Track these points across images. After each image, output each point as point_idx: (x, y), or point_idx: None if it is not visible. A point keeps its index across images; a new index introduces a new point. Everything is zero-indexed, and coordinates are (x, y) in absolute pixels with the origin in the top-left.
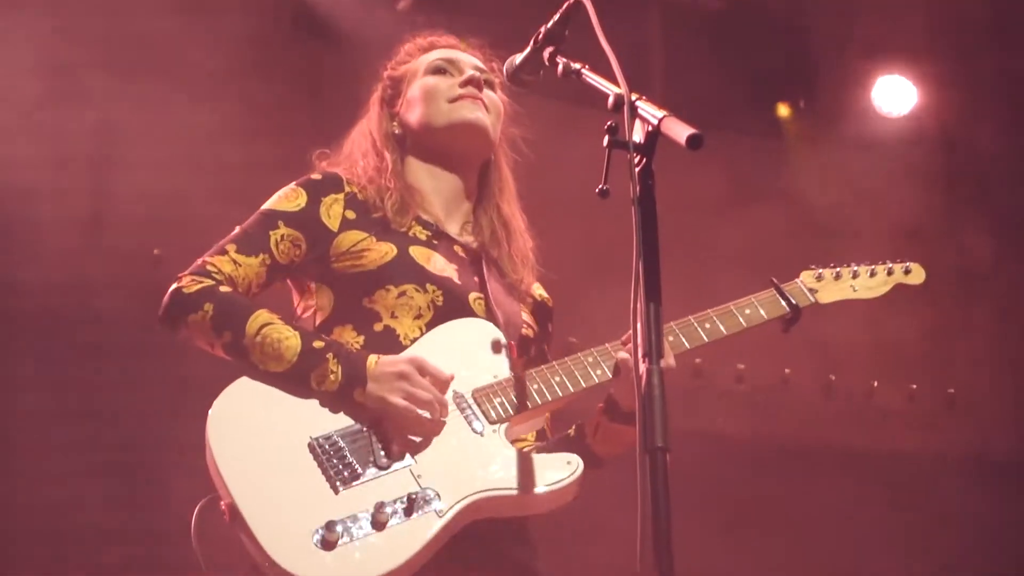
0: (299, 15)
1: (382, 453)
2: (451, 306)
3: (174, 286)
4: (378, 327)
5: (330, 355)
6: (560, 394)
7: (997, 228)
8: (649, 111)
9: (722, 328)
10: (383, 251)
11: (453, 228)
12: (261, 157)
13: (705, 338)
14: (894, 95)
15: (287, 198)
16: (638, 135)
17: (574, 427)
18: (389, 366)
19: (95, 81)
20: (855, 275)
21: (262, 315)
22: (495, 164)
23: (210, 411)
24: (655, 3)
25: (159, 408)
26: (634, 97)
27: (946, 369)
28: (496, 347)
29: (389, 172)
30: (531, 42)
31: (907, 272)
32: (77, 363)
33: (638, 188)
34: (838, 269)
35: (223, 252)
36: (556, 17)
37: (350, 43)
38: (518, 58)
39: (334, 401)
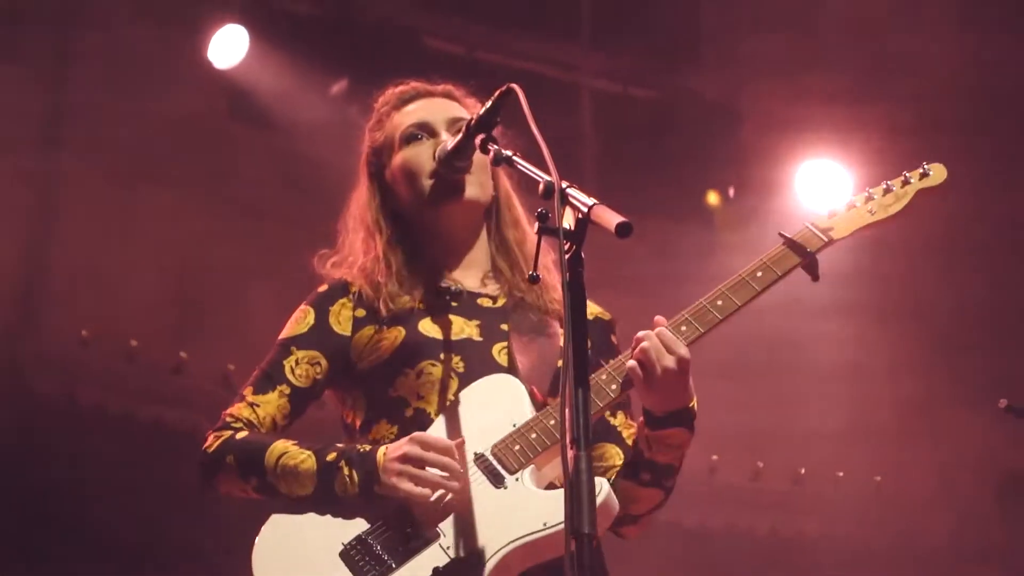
0: (235, 101)
1: (410, 538)
2: (474, 367)
3: (201, 447)
4: (408, 412)
5: (342, 463)
6: None
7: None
8: (579, 199)
9: (735, 300)
10: (392, 337)
11: (473, 282)
12: (195, 235)
13: (719, 316)
14: (823, 187)
15: (297, 322)
16: (568, 222)
17: (631, 445)
18: (394, 451)
19: (31, 160)
20: (869, 198)
21: (277, 447)
22: (496, 194)
23: (252, 557)
24: (586, 91)
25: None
26: (565, 185)
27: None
28: (514, 396)
29: (382, 257)
30: (463, 128)
31: (924, 176)
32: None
33: (568, 275)
34: (851, 198)
35: (241, 399)
36: (488, 104)
37: (285, 128)
38: (450, 144)
39: (361, 504)
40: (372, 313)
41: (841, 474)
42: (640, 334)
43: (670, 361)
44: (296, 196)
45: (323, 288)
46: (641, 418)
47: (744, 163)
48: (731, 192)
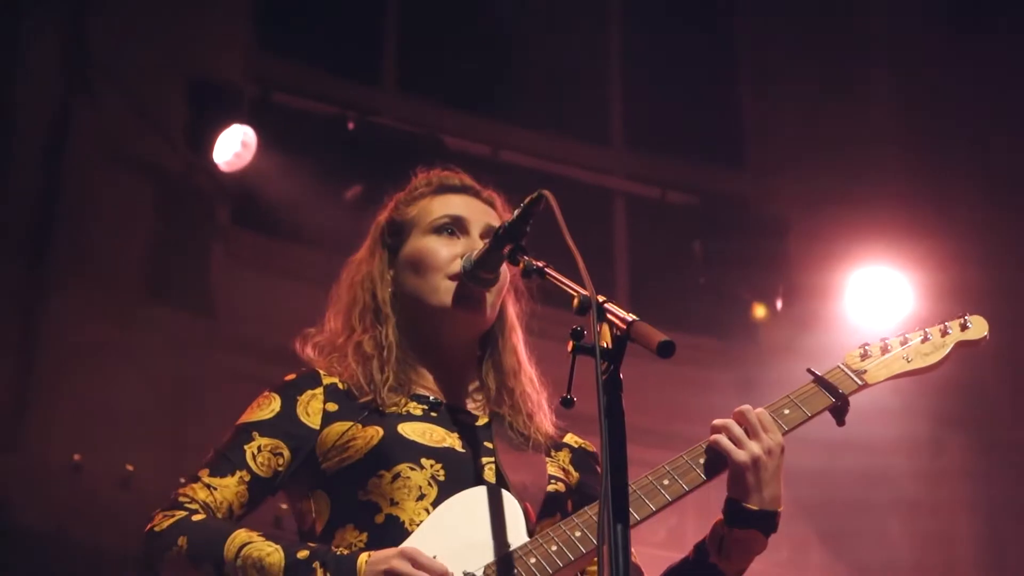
0: (239, 207)
1: None
2: (456, 477)
3: (147, 527)
4: (379, 519)
5: (316, 564)
6: (583, 550)
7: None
8: (618, 314)
9: None
10: (368, 436)
11: (454, 399)
12: (192, 353)
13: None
14: (877, 297)
15: (259, 407)
16: (605, 340)
17: (693, 548)
18: (379, 563)
19: (17, 281)
20: (904, 342)
21: (239, 535)
22: (498, 318)
23: None
24: (620, 196)
25: None
26: (601, 299)
27: None
28: (510, 514)
29: (386, 347)
30: (490, 238)
31: (964, 328)
32: None
33: (605, 398)
34: (886, 340)
35: (195, 479)
36: (517, 212)
37: (293, 236)
38: (475, 254)
39: None
40: (346, 407)
41: None
42: (742, 408)
43: (772, 441)
44: (306, 312)
45: (291, 377)
46: (720, 518)
47: (792, 273)
48: (779, 304)
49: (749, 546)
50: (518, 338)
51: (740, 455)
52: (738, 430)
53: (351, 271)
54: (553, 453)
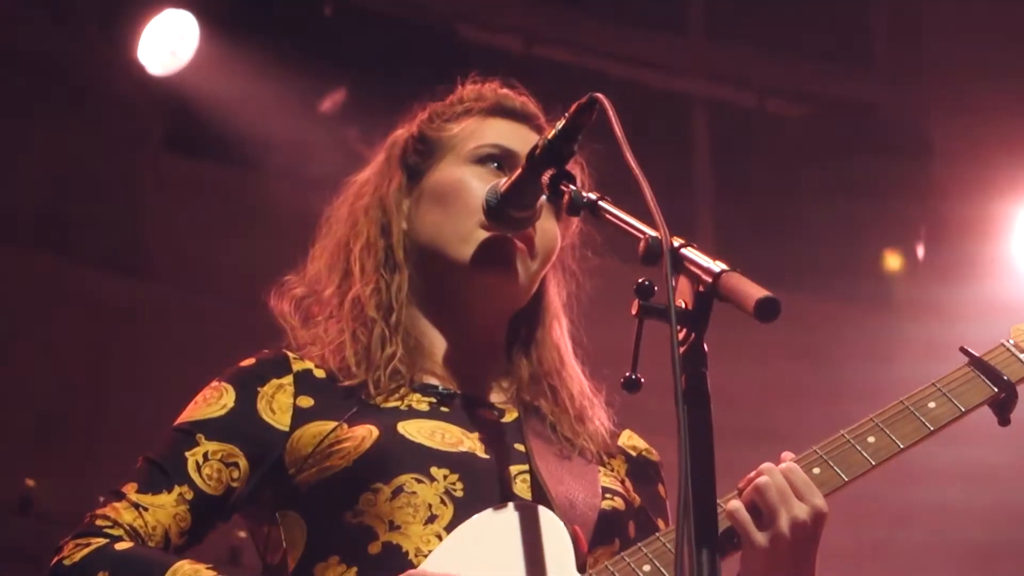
0: (176, 124)
1: None
2: (478, 493)
3: (54, 559)
4: (374, 548)
5: None
6: None
7: None
8: (700, 263)
9: (895, 439)
10: (359, 437)
11: (474, 387)
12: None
13: (872, 461)
14: None
15: (207, 401)
16: (683, 298)
17: None
18: None
19: None
20: None
21: (182, 568)
22: (537, 299)
23: None
24: (701, 104)
25: None
26: (677, 243)
27: None
28: (552, 540)
29: (396, 307)
30: (524, 161)
31: None
32: None
33: (683, 379)
34: None
35: (119, 496)
36: (560, 124)
37: (256, 165)
38: (502, 184)
39: None
40: (325, 400)
41: None
42: (761, 468)
43: (801, 511)
44: (266, 267)
45: (248, 362)
46: None
47: (938, 208)
48: (920, 251)
49: None
50: (561, 330)
51: (758, 539)
52: (771, 496)
53: (352, 194)
54: (607, 460)
